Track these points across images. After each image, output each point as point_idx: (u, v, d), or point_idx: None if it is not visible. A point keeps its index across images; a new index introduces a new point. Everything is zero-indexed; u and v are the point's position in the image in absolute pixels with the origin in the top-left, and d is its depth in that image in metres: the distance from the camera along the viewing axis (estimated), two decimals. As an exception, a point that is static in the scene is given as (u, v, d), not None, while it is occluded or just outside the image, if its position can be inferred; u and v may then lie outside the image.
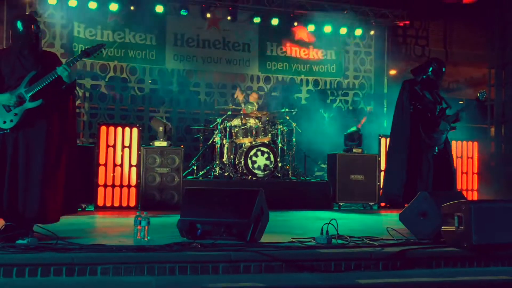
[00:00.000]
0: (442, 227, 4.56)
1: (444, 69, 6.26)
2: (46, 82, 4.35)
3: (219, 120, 9.19)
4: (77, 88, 9.87)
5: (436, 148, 6.09)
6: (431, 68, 6.18)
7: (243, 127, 9.02)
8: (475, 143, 9.81)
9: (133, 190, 8.01)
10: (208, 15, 10.65)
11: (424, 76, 6.19)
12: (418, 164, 6.06)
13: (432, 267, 4.26)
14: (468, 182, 9.72)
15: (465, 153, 9.72)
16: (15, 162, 4.34)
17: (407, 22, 11.70)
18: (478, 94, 6.36)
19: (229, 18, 10.72)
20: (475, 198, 9.55)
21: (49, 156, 4.40)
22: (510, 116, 11.85)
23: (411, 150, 6.05)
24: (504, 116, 11.74)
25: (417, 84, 6.18)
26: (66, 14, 9.98)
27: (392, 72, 11.80)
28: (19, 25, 4.47)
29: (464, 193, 8.52)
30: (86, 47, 4.67)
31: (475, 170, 9.78)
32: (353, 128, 9.52)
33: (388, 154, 6.74)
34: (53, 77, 4.37)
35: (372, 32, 11.58)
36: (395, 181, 6.22)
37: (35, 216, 4.35)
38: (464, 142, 9.75)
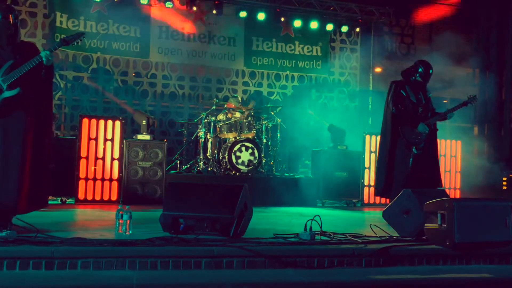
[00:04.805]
0: (425, 224, 4.58)
1: (431, 71, 6.46)
2: (27, 69, 4.25)
3: (203, 115, 9.12)
4: (58, 79, 9.83)
5: (414, 148, 6.27)
6: (420, 70, 6.35)
7: (228, 122, 8.97)
8: (459, 142, 9.89)
9: (115, 184, 7.92)
10: (194, 8, 10.54)
11: (412, 78, 6.39)
12: (398, 161, 6.28)
13: (415, 264, 4.28)
14: (451, 181, 9.81)
15: (448, 151, 9.79)
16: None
17: (393, 20, 11.74)
18: (468, 98, 6.48)
19: (214, 11, 10.61)
20: (458, 196, 9.63)
21: (27, 147, 4.31)
22: (493, 115, 12.00)
23: (393, 149, 6.29)
24: (487, 115, 11.88)
25: (404, 86, 6.37)
26: (49, 3, 9.81)
27: (378, 69, 11.83)
28: None
29: (447, 191, 8.60)
30: (65, 36, 4.56)
31: (458, 169, 9.87)
32: (338, 125, 9.52)
33: (378, 152, 6.98)
34: (36, 62, 4.26)
35: (358, 29, 11.60)
36: (380, 177, 6.46)
37: (12, 207, 4.26)
38: (448, 141, 9.82)
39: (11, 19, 4.39)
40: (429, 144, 6.39)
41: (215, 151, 8.96)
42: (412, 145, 6.26)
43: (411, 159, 6.24)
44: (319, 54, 11.57)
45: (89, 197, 7.80)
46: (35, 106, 4.45)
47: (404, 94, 6.29)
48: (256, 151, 8.70)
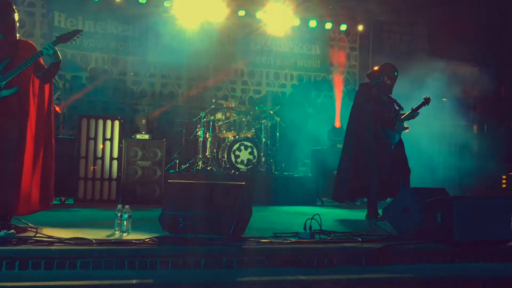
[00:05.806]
0: (425, 223, 4.58)
1: (396, 73, 6.69)
2: (26, 66, 4.21)
3: (202, 114, 9.11)
4: (57, 79, 9.81)
5: (393, 146, 6.48)
6: (385, 73, 6.62)
7: (227, 121, 8.96)
8: (457, 141, 9.90)
9: (114, 184, 7.91)
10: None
11: (379, 80, 6.60)
12: (379, 160, 6.37)
13: (414, 262, 4.28)
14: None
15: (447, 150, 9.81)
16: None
17: (392, 19, 11.73)
18: (424, 100, 6.66)
19: (214, 11, 10.61)
20: (457, 194, 9.63)
21: (26, 147, 4.29)
22: (492, 114, 11.98)
23: (375, 148, 6.39)
24: (486, 113, 11.85)
25: (373, 87, 6.59)
26: (47, 3, 9.80)
27: (377, 68, 11.80)
28: None
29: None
30: (62, 33, 4.52)
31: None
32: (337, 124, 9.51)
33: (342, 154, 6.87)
34: (35, 59, 4.23)
35: (357, 28, 11.59)
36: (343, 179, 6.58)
37: (11, 208, 4.24)
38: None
39: (7, 15, 4.36)
40: (400, 143, 6.60)
41: (214, 151, 8.95)
42: (391, 144, 6.44)
43: (387, 157, 6.40)
44: (318, 52, 11.57)
45: (88, 197, 7.78)
46: (35, 105, 4.42)
47: (377, 95, 6.50)
48: (255, 150, 8.69)
